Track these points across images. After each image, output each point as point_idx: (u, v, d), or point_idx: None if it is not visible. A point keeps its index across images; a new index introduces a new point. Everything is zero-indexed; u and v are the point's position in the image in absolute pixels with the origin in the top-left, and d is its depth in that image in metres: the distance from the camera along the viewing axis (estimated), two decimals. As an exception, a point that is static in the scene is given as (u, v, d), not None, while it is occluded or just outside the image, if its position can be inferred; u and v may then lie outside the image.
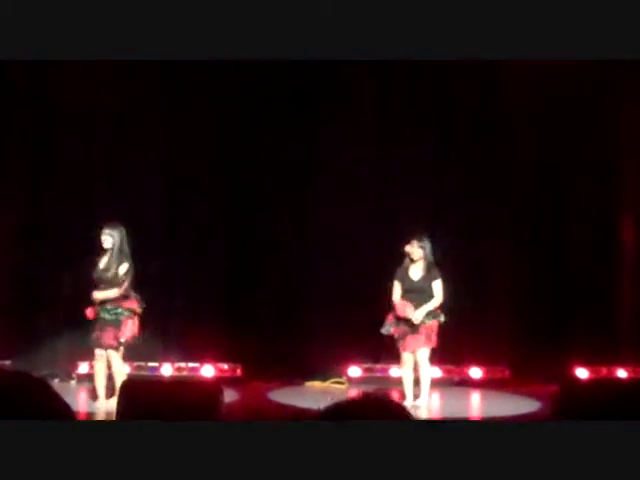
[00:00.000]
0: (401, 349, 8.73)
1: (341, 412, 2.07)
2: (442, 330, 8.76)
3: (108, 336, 8.36)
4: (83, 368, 10.20)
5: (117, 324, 8.36)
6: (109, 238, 8.43)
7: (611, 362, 10.45)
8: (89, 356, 8.96)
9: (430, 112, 10.81)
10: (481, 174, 10.69)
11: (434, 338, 8.69)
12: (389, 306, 8.79)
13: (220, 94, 10.64)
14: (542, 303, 10.59)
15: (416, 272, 8.73)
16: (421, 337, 8.61)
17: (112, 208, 9.54)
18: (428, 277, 8.69)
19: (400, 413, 2.10)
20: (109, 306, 8.36)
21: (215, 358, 10.51)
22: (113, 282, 8.39)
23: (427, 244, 8.72)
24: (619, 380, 9.17)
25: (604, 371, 10.47)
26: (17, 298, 10.41)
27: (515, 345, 10.41)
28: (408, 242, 8.76)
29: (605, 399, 2.96)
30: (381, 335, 8.86)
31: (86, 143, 10.59)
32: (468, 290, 9.13)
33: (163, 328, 10.14)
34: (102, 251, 8.49)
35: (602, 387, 4.14)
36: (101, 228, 8.51)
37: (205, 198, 10.67)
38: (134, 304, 8.44)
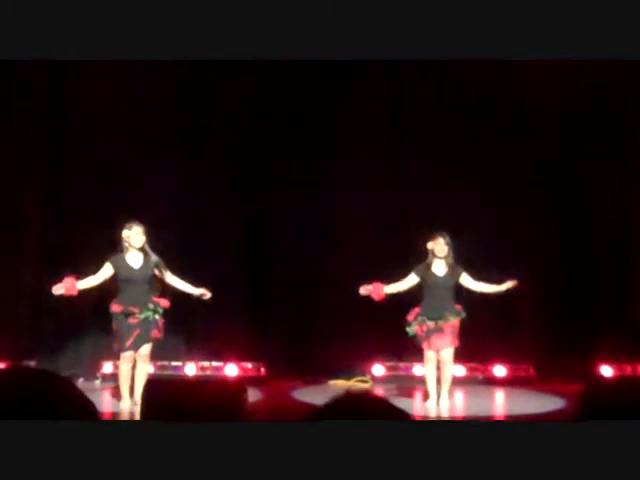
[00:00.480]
0: (425, 347, 8.70)
1: (330, 413, 2.05)
2: (466, 328, 8.72)
3: (154, 332, 8.34)
4: (107, 368, 10.24)
5: (156, 322, 8.36)
6: (143, 237, 8.37)
7: (636, 360, 10.40)
8: (113, 356, 8.98)
9: (439, 112, 10.81)
10: (502, 171, 10.66)
11: (457, 337, 8.66)
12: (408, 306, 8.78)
13: (231, 94, 10.66)
14: (566, 301, 10.55)
15: (440, 268, 8.69)
16: (447, 336, 8.57)
17: (129, 209, 9.54)
18: (453, 274, 8.66)
19: (389, 410, 2.07)
20: (151, 305, 8.33)
21: (239, 357, 10.52)
22: (148, 280, 8.36)
23: (450, 241, 8.69)
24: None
25: (629, 369, 10.42)
26: (41, 298, 10.46)
27: (539, 343, 10.38)
28: (432, 239, 8.71)
29: (630, 397, 2.94)
30: (404, 333, 8.84)
31: (103, 144, 10.65)
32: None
33: (187, 327, 10.15)
34: (127, 248, 8.38)
35: (627, 385, 4.10)
36: (127, 226, 8.42)
37: (224, 198, 10.70)
38: (167, 303, 8.44)
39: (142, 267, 8.35)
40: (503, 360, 10.55)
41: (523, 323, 10.50)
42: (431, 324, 8.58)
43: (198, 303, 9.13)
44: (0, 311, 10.30)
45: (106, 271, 8.32)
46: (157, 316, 8.33)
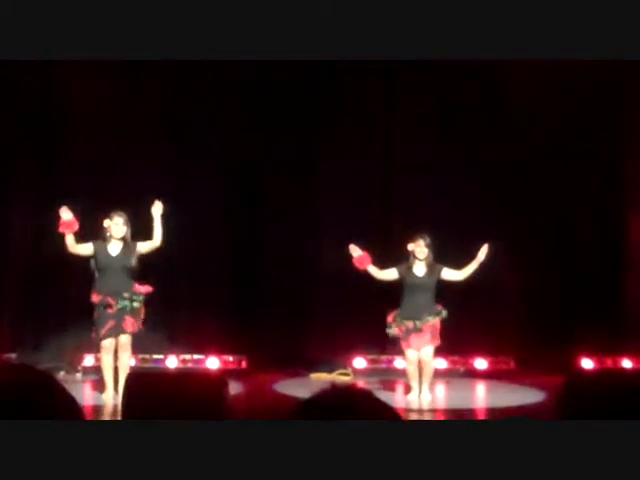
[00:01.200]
0: (405, 347, 8.70)
1: (314, 408, 2.04)
2: (447, 321, 8.74)
3: (127, 323, 8.34)
4: (89, 361, 10.22)
5: (135, 311, 8.36)
6: (123, 227, 8.40)
7: (616, 353, 10.45)
8: (95, 349, 8.97)
9: (433, 114, 10.84)
10: (486, 172, 10.70)
11: (438, 336, 8.66)
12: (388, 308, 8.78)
13: (226, 93, 10.67)
14: (546, 294, 10.60)
15: (420, 269, 8.69)
16: (426, 335, 8.57)
17: (116, 201, 9.52)
18: (432, 273, 8.65)
19: (376, 405, 2.07)
20: (126, 294, 8.33)
21: (220, 350, 10.52)
22: (128, 269, 8.39)
23: (431, 243, 8.68)
24: (625, 371, 9.17)
25: (609, 362, 10.47)
26: (22, 290, 10.45)
27: (520, 336, 10.42)
28: (413, 240, 8.69)
29: (610, 390, 2.95)
30: (385, 327, 8.85)
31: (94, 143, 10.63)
32: (472, 282, 9.09)
33: (168, 320, 10.14)
34: (109, 238, 8.42)
35: (607, 378, 4.12)
36: (109, 216, 8.45)
37: (207, 192, 10.69)
38: (149, 289, 8.44)
39: (120, 255, 8.41)
40: (484, 353, 10.59)
41: (504, 316, 10.53)
42: (410, 324, 8.58)
43: (180, 296, 9.15)
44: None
45: (86, 247, 8.37)
46: (135, 304, 8.34)
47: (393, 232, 10.03)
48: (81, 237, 8.45)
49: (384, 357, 10.58)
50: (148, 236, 8.54)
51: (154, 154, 10.65)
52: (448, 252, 8.82)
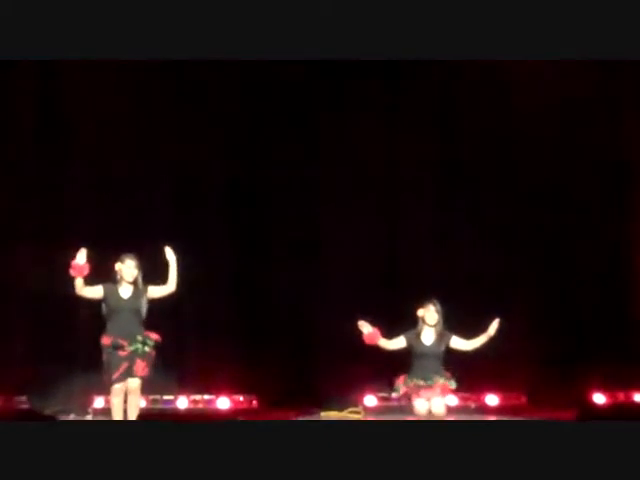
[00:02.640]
0: (414, 398, 8.50)
1: None
2: (458, 357, 8.63)
3: (139, 367, 8.29)
4: (99, 403, 10.19)
5: (146, 355, 8.31)
6: (134, 270, 8.37)
7: (628, 387, 10.40)
8: (104, 391, 8.94)
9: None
10: (492, 199, 10.73)
11: (448, 393, 8.53)
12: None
13: (227, 95, 10.76)
14: (557, 329, 10.57)
15: (429, 337, 8.57)
16: (436, 389, 8.43)
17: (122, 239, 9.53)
18: (441, 341, 8.53)
19: None
20: (139, 336, 8.30)
21: (230, 390, 10.49)
22: (139, 313, 8.34)
23: (441, 309, 8.57)
24: (636, 405, 9.13)
25: (621, 396, 10.41)
26: (31, 332, 10.46)
27: (531, 371, 10.38)
28: (423, 306, 8.59)
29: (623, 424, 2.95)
30: (397, 364, 8.77)
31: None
32: (484, 320, 9.02)
33: (178, 361, 10.12)
34: (120, 281, 8.38)
35: (620, 412, 4.12)
36: (120, 259, 8.41)
37: (215, 226, 10.74)
38: (158, 338, 8.40)
39: (131, 298, 8.34)
40: (495, 389, 10.53)
41: (514, 352, 10.48)
42: (420, 382, 8.45)
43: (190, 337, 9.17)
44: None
45: (96, 291, 8.33)
46: (147, 348, 8.30)
47: (401, 265, 10.02)
48: (92, 280, 8.44)
49: (395, 395, 10.52)
50: (157, 280, 8.51)
51: (154, 180, 10.72)
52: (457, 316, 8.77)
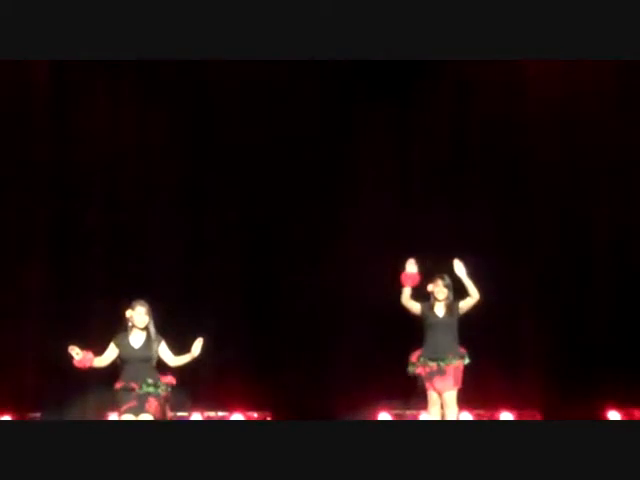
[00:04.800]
0: (428, 387, 8.61)
1: None
2: (472, 374, 8.65)
3: (150, 404, 8.25)
4: (112, 418, 10.18)
5: (159, 395, 8.28)
6: (145, 317, 8.32)
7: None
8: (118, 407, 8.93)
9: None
10: (507, 213, 10.75)
11: (461, 379, 8.58)
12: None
13: (236, 96, 10.85)
14: (572, 346, 10.55)
15: (440, 309, 8.67)
16: (449, 378, 8.49)
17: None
18: (452, 312, 8.60)
19: None
20: (150, 380, 8.27)
21: (244, 406, 10.49)
22: (149, 360, 8.29)
23: (450, 283, 8.65)
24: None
25: (637, 413, 10.37)
26: (45, 349, 10.47)
27: (546, 388, 10.36)
28: (432, 281, 8.67)
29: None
30: (411, 380, 8.77)
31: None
32: (498, 334, 9.05)
33: (192, 378, 10.12)
34: (131, 328, 8.32)
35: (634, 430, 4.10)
36: (131, 306, 8.36)
37: (227, 249, 10.79)
38: (173, 381, 8.37)
39: (142, 347, 8.27)
40: (509, 406, 10.50)
41: (529, 368, 10.47)
42: (433, 365, 8.50)
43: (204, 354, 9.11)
44: (6, 364, 10.30)
45: (111, 352, 8.30)
46: (160, 390, 8.26)
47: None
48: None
49: (409, 412, 10.50)
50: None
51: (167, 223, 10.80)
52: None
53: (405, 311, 8.49)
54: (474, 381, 8.76)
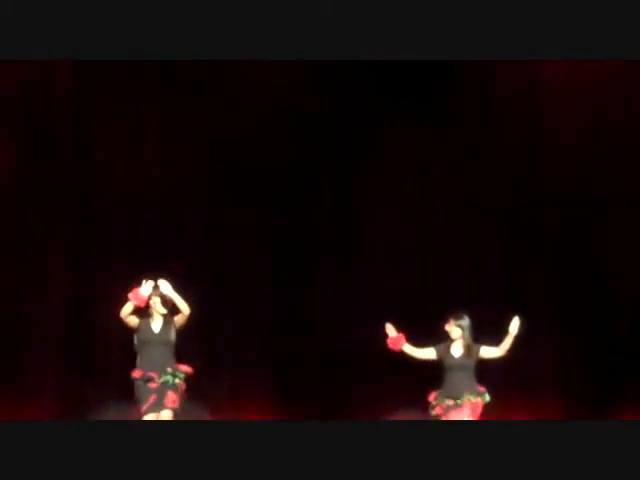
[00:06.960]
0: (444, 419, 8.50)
1: None
2: (488, 390, 8.58)
3: (169, 399, 8.31)
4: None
5: (176, 386, 8.35)
6: (165, 302, 8.43)
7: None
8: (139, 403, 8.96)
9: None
10: (521, 232, 10.77)
11: (478, 414, 8.48)
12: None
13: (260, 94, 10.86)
14: (591, 353, 10.54)
15: (457, 350, 8.57)
16: (465, 410, 8.40)
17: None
18: (470, 354, 8.50)
19: None
20: (169, 368, 8.33)
21: (263, 415, 10.51)
22: (167, 343, 8.38)
23: (465, 322, 8.54)
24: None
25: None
26: (65, 358, 10.54)
27: (564, 396, 10.36)
28: (447, 321, 8.60)
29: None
30: (430, 384, 8.73)
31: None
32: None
33: (210, 386, 10.15)
34: (152, 314, 8.44)
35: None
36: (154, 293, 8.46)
37: (249, 252, 10.82)
38: (190, 370, 8.44)
39: (161, 331, 8.44)
40: (528, 414, 10.49)
41: (547, 377, 10.47)
42: (450, 402, 8.44)
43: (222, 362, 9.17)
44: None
45: (133, 320, 8.43)
46: (177, 380, 8.33)
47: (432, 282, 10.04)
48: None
49: (431, 414, 10.50)
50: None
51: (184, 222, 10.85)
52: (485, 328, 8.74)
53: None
54: (492, 390, 8.66)
